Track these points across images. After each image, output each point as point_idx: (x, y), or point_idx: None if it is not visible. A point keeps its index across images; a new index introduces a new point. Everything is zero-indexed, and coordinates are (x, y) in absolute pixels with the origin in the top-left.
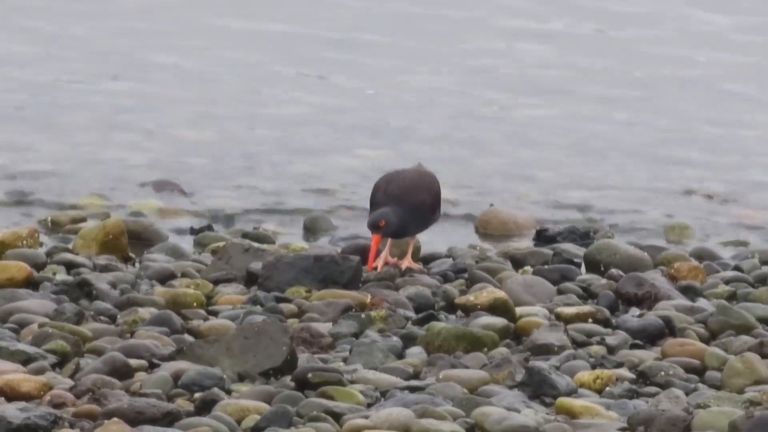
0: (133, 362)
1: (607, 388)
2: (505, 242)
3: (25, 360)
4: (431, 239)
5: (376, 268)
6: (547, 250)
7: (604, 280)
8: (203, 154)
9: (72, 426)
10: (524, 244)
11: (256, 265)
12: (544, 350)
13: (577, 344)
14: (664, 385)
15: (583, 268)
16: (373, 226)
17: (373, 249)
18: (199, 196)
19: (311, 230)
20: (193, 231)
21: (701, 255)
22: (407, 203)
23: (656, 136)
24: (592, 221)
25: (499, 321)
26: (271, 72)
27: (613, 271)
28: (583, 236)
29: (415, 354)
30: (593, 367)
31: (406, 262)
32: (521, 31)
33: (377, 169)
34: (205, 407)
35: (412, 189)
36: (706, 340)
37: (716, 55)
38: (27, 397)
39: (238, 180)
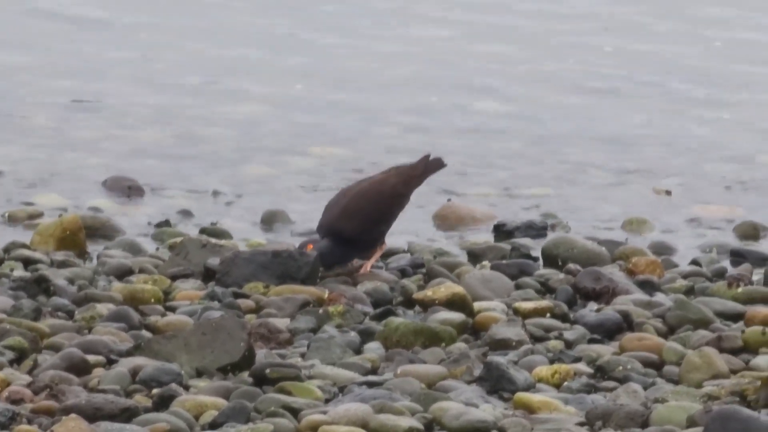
0: (91, 358)
1: (565, 383)
2: (463, 233)
3: None
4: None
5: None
6: (505, 245)
7: (562, 275)
8: (160, 153)
9: (30, 422)
10: (482, 238)
11: (214, 261)
12: (502, 345)
13: (535, 339)
14: (622, 380)
15: (540, 263)
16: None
17: None
18: (156, 193)
19: (268, 223)
20: (157, 224)
21: (659, 249)
22: (335, 236)
23: (614, 130)
24: (549, 216)
25: (457, 316)
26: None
27: (571, 265)
28: (540, 230)
29: (373, 349)
30: (551, 362)
31: (364, 269)
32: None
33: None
34: (163, 403)
35: (342, 219)
36: (664, 335)
37: (676, 50)
38: None
39: (195, 178)
